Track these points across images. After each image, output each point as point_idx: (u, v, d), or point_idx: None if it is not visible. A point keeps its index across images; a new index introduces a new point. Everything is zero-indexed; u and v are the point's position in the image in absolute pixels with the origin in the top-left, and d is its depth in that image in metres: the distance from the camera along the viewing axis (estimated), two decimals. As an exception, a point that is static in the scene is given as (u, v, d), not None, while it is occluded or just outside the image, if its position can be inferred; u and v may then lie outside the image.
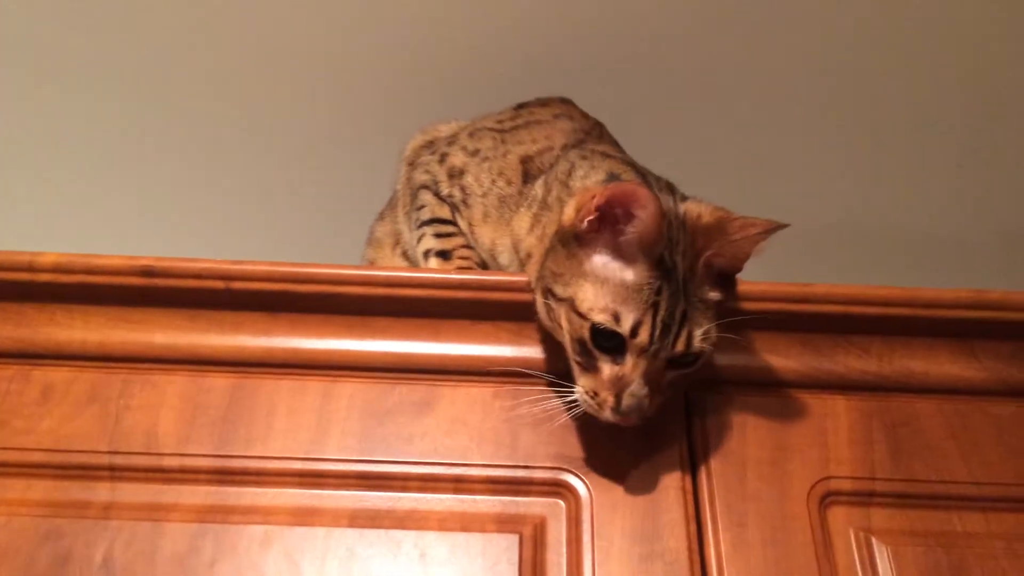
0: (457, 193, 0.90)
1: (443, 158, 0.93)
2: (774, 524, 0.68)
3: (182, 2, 1.08)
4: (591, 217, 0.67)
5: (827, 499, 0.70)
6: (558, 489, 0.69)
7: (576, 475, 0.70)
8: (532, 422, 0.72)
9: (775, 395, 0.75)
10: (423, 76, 1.14)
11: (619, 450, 0.71)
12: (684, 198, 0.72)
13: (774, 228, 0.68)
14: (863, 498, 0.71)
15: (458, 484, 0.69)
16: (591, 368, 0.67)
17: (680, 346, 0.66)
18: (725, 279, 0.71)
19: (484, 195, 0.88)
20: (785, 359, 0.76)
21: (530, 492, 0.70)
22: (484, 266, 0.87)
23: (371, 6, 1.08)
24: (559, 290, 0.68)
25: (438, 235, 0.90)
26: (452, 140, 0.95)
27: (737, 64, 1.14)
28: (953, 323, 0.76)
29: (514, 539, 0.67)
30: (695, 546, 0.67)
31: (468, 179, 0.89)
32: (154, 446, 0.70)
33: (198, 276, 0.74)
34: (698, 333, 0.67)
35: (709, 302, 0.69)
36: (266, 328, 0.75)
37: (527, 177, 0.86)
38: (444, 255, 0.87)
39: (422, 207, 0.93)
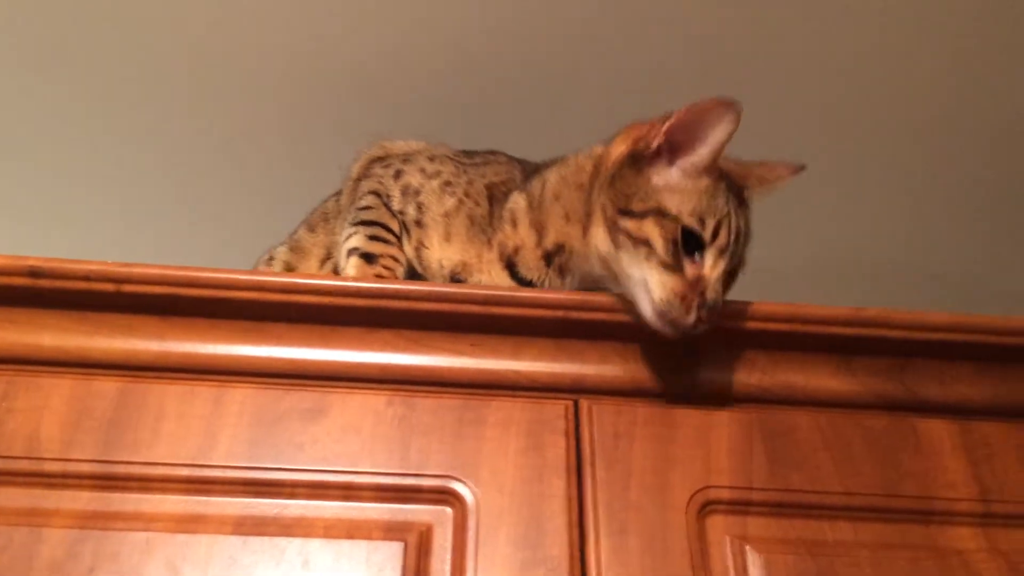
0: (412, 211, 0.90)
1: (398, 174, 0.93)
2: (653, 532, 0.71)
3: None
4: (660, 140, 0.76)
5: (706, 508, 0.73)
6: (446, 497, 0.71)
7: (464, 483, 0.71)
8: (424, 430, 0.73)
9: (662, 406, 0.78)
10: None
11: (507, 458, 0.72)
12: None
13: (797, 169, 0.82)
14: (740, 507, 0.74)
15: (347, 491, 0.70)
16: (676, 269, 0.73)
17: (741, 252, 0.78)
18: None
19: (447, 215, 0.88)
20: (674, 372, 0.79)
21: (418, 500, 0.71)
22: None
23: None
24: (637, 206, 0.76)
25: (373, 237, 0.89)
26: (408, 159, 0.95)
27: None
28: (832, 339, 0.79)
29: (399, 547, 0.67)
30: (576, 553, 0.69)
31: (424, 198, 0.90)
32: (36, 450, 0.69)
33: (87, 278, 0.73)
34: (745, 249, 0.78)
35: (751, 226, 0.80)
36: (158, 332, 0.74)
37: (492, 201, 0.87)
38: (369, 258, 0.87)
39: (367, 208, 0.92)
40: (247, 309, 0.74)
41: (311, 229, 1.05)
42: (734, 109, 0.73)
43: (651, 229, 0.74)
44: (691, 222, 0.73)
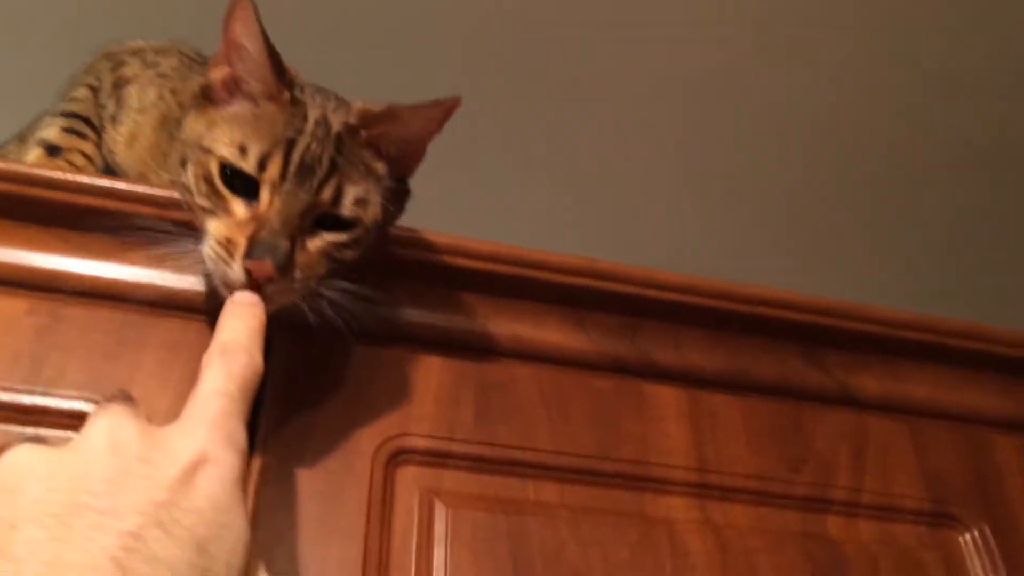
0: (111, 105, 0.77)
1: (118, 65, 0.80)
2: (329, 479, 0.62)
3: None
4: (224, 70, 0.61)
5: (398, 457, 0.65)
6: (78, 423, 0.59)
7: (105, 408, 0.60)
8: (67, 346, 0.61)
9: (368, 346, 0.69)
10: None
11: (168, 386, 0.62)
12: None
13: (448, 105, 0.61)
14: (438, 459, 0.66)
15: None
16: (222, 210, 0.58)
17: (327, 194, 0.59)
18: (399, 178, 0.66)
19: (141, 111, 0.75)
20: (392, 308, 0.71)
21: (46, 423, 0.59)
22: None
23: None
24: (189, 152, 0.60)
25: (67, 130, 0.76)
26: (137, 51, 0.83)
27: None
28: (562, 289, 0.73)
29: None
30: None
31: (130, 89, 0.77)
32: None
33: None
34: (351, 191, 0.60)
35: (373, 170, 0.62)
36: None
37: None
38: (53, 150, 0.74)
39: (74, 99, 0.79)
40: None
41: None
42: (243, 3, 0.59)
43: (191, 171, 0.59)
44: (227, 153, 0.57)
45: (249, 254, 0.55)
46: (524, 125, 1.33)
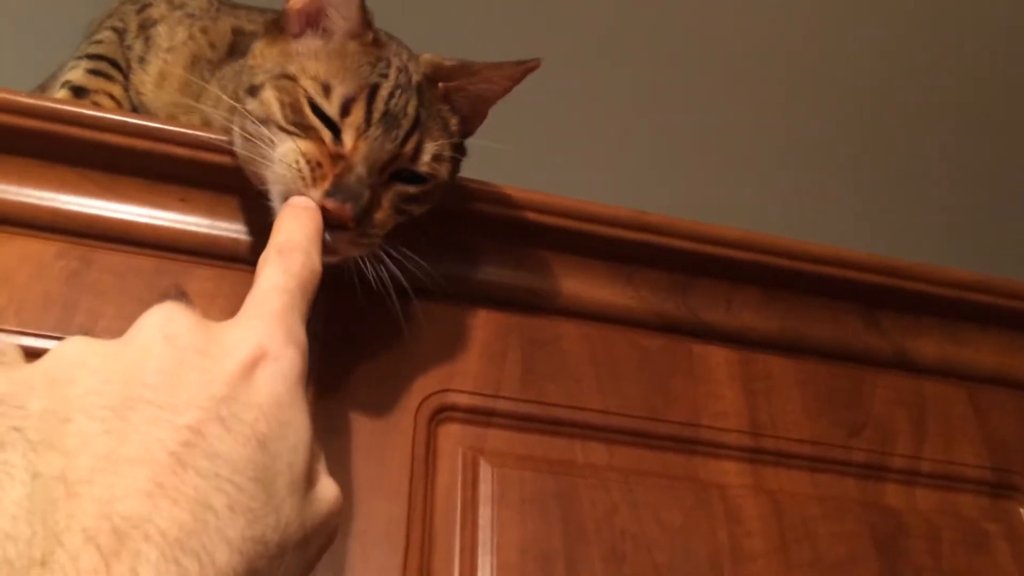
0: (139, 46, 0.74)
1: (143, 8, 0.77)
2: (373, 436, 0.59)
3: None
4: (302, 2, 0.57)
5: (441, 414, 0.62)
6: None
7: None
8: (100, 291, 0.59)
9: (410, 300, 0.66)
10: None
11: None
12: None
13: (530, 66, 0.58)
14: (482, 416, 0.63)
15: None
16: (309, 134, 0.54)
17: (410, 146, 0.55)
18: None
19: (171, 50, 0.72)
20: (435, 261, 0.67)
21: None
22: None
23: None
24: (259, 78, 0.56)
25: (93, 71, 0.73)
26: None
27: None
28: (610, 242, 0.70)
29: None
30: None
31: (159, 29, 0.74)
32: None
33: None
34: (430, 146, 0.57)
35: (448, 125, 0.60)
36: None
37: (233, 51, 0.71)
38: (80, 92, 0.71)
39: (99, 42, 0.76)
40: None
41: None
42: None
43: (269, 96, 0.55)
44: (309, 86, 0.54)
45: (331, 193, 0.52)
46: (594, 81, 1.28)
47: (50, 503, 0.28)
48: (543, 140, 1.16)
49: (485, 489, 0.60)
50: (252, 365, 0.35)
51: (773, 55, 1.30)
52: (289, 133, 0.54)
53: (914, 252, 0.81)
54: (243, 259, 0.63)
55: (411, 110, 0.56)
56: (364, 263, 0.56)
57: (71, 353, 0.34)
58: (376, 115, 0.54)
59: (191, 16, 0.74)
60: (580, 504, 0.61)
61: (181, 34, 0.72)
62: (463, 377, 0.64)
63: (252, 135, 0.55)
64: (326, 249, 0.50)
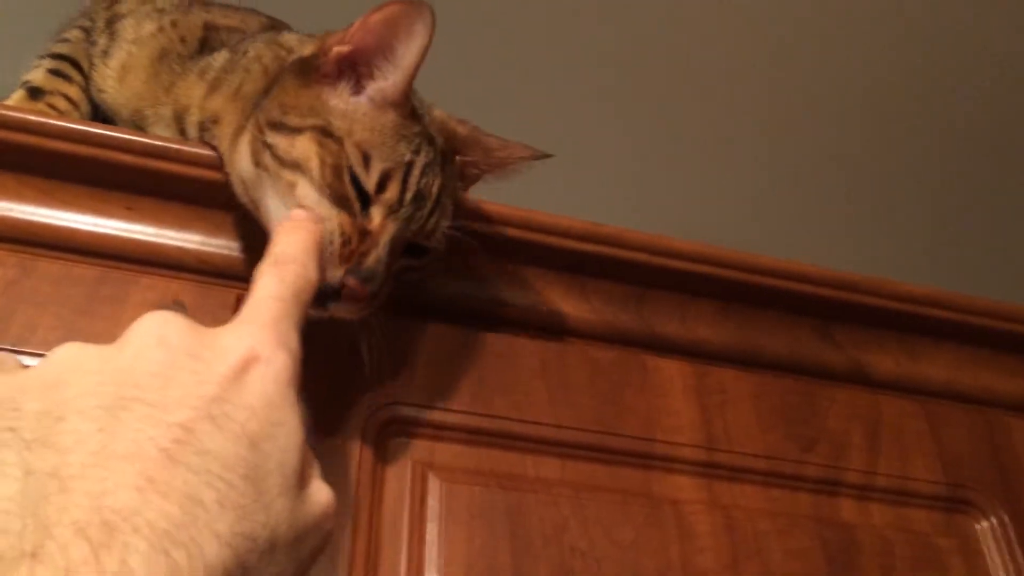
0: (103, 40, 0.72)
1: (112, 3, 0.76)
2: (319, 449, 0.58)
3: None
4: (344, 50, 0.56)
5: (389, 428, 0.61)
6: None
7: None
8: (39, 300, 0.57)
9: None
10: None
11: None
12: None
13: (540, 155, 0.61)
14: (432, 430, 0.62)
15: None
16: (343, 204, 0.53)
17: (430, 225, 0.56)
18: None
19: (136, 42, 0.70)
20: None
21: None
22: None
23: None
24: (294, 120, 0.55)
25: (53, 72, 0.72)
26: None
27: None
28: (564, 254, 0.69)
29: None
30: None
31: (126, 22, 0.73)
32: None
33: None
34: (444, 224, 0.57)
35: (456, 198, 0.60)
36: None
37: (204, 46, 0.70)
38: (36, 93, 0.70)
39: (64, 40, 0.75)
40: None
41: None
42: (424, 13, 0.54)
43: (307, 146, 0.54)
44: (352, 153, 0.53)
45: (352, 271, 0.52)
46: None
47: (42, 498, 0.29)
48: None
49: (433, 504, 0.59)
50: (243, 368, 0.36)
51: (745, 72, 1.31)
52: (320, 192, 0.53)
53: (882, 267, 0.81)
54: (190, 268, 0.62)
55: (436, 189, 0.56)
56: None
57: (66, 358, 0.35)
58: (409, 195, 0.54)
59: (160, 11, 0.73)
60: (529, 519, 0.60)
61: (149, 26, 0.71)
62: (412, 390, 0.63)
63: (267, 167, 0.55)
64: (321, 310, 0.52)
